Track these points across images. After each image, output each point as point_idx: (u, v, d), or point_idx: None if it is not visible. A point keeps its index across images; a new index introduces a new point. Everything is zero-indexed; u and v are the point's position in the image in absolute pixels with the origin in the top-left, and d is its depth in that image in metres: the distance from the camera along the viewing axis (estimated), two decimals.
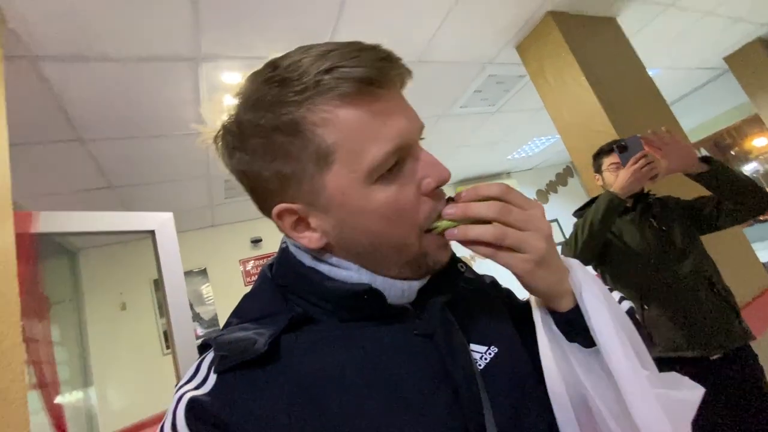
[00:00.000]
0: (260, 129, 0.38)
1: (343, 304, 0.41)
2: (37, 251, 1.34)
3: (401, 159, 0.39)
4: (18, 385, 0.93)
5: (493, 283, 0.59)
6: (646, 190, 1.48)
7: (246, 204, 3.34)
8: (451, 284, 0.48)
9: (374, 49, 0.37)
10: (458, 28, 2.00)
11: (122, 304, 2.97)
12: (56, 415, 1.23)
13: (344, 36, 1.78)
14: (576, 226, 1.44)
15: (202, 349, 0.42)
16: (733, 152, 4.40)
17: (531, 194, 5.24)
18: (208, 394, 0.35)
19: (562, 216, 5.25)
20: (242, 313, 0.45)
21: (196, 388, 0.36)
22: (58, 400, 1.27)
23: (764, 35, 3.39)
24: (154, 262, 3.20)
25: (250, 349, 0.36)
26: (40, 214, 1.35)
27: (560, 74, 2.14)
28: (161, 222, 1.63)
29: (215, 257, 3.41)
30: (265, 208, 0.43)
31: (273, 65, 0.38)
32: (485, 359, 0.45)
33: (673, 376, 0.42)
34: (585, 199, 1.56)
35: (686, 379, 0.41)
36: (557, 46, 2.11)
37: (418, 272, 0.43)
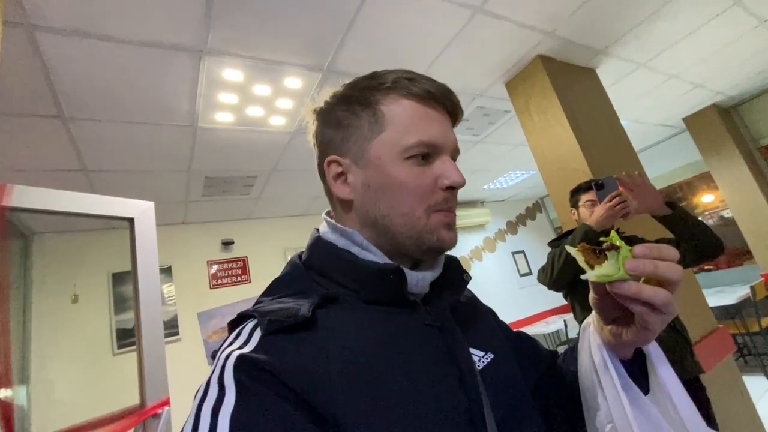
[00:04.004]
0: (346, 99, 0.51)
1: (370, 282, 0.46)
2: (4, 228, 1.26)
3: (431, 156, 0.48)
4: None
5: (490, 311, 0.65)
6: (615, 228, 1.60)
7: (223, 204, 3.27)
8: (456, 289, 0.54)
9: (443, 83, 0.51)
10: (456, 59, 2.12)
11: (74, 297, 2.78)
12: (5, 411, 1.13)
13: (349, 50, 1.84)
14: (552, 255, 1.53)
15: (236, 322, 0.45)
16: (681, 205, 4.79)
17: (502, 225, 5.44)
18: (254, 350, 0.38)
19: (528, 248, 5.47)
20: (274, 291, 0.48)
21: (240, 348, 0.39)
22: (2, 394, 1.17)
23: (719, 102, 3.78)
24: (114, 255, 3.05)
25: (296, 315, 0.40)
26: (15, 188, 1.27)
27: (544, 113, 2.29)
28: (142, 210, 1.58)
29: (182, 256, 3.28)
30: (322, 163, 0.53)
31: (374, 72, 0.52)
32: (483, 362, 0.50)
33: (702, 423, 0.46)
34: (551, 233, 1.67)
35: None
36: (543, 88, 2.27)
37: (421, 249, 0.48)
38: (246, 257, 3.56)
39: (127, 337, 2.80)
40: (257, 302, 0.47)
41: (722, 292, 3.86)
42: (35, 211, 1.30)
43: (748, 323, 3.52)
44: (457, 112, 0.52)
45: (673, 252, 0.40)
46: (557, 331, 4.90)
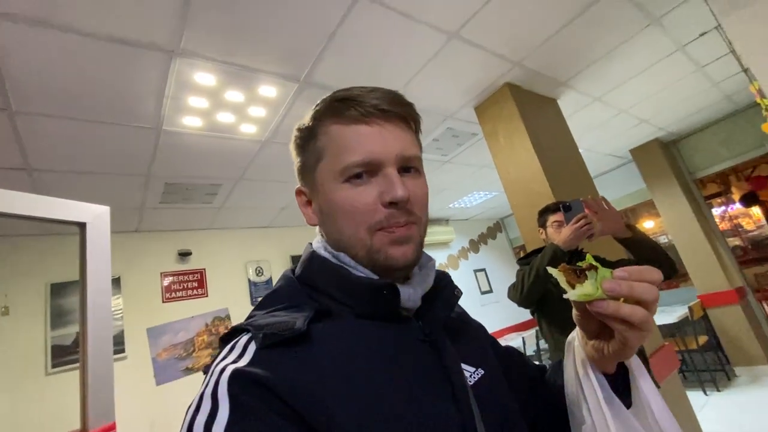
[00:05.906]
0: (302, 131, 0.52)
1: (364, 297, 0.46)
2: None
3: (371, 172, 0.47)
4: None
5: (480, 326, 0.65)
6: (579, 248, 1.68)
7: (182, 212, 3.11)
8: (448, 304, 0.54)
9: (386, 91, 0.49)
10: (430, 80, 2.18)
11: (4, 309, 2.49)
12: None
13: (327, 63, 1.84)
14: (521, 272, 1.57)
15: (229, 336, 0.44)
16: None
17: (465, 243, 5.57)
18: (249, 364, 0.38)
19: (489, 267, 5.63)
20: (267, 305, 0.47)
21: (234, 362, 0.38)
22: None
23: (661, 137, 4.16)
24: (54, 263, 2.78)
25: (292, 329, 0.40)
26: None
27: (510, 137, 2.40)
28: (96, 215, 1.45)
29: (133, 266, 3.05)
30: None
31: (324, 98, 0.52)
32: (474, 378, 0.50)
33: None
34: (510, 253, 1.73)
35: None
36: (510, 113, 2.38)
37: (377, 268, 0.47)
38: (204, 269, 3.38)
39: (63, 354, 2.53)
40: (250, 316, 0.46)
41: (663, 311, 4.16)
42: None
43: (686, 341, 3.79)
44: (404, 114, 0.50)
45: (656, 275, 0.41)
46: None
